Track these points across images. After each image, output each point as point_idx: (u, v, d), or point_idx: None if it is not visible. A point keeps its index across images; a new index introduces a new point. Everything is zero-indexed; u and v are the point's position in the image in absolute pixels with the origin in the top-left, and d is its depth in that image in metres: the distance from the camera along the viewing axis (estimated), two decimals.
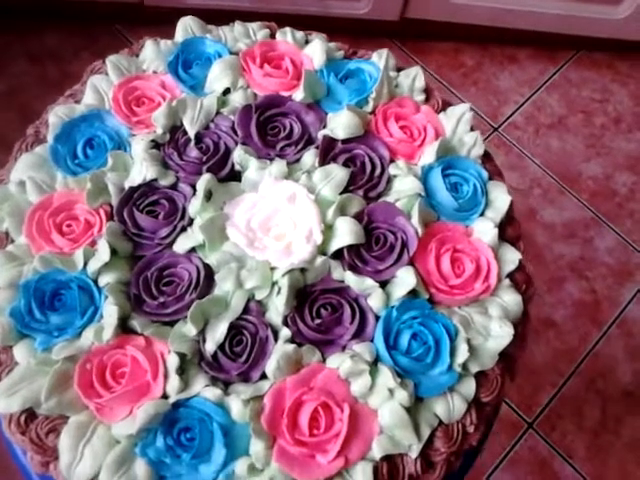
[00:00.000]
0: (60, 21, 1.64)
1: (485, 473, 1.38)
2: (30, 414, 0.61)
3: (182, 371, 0.62)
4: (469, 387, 0.65)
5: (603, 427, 1.44)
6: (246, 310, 0.65)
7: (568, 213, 1.71)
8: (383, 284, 0.67)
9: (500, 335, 0.67)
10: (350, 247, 0.67)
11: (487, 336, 0.67)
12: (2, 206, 0.68)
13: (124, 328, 0.63)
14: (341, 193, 0.69)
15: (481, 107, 1.81)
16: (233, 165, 0.71)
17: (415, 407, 0.63)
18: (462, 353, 0.65)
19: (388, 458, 0.62)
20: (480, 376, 0.67)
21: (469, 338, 0.66)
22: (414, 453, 0.62)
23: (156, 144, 0.71)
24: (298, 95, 0.74)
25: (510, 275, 0.71)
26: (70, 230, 0.67)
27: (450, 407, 0.64)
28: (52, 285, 0.64)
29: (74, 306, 0.64)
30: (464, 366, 0.65)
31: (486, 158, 0.77)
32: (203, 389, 0.61)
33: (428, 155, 0.73)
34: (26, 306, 0.63)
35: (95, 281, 0.65)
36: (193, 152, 0.70)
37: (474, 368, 0.66)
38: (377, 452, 0.61)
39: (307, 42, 0.81)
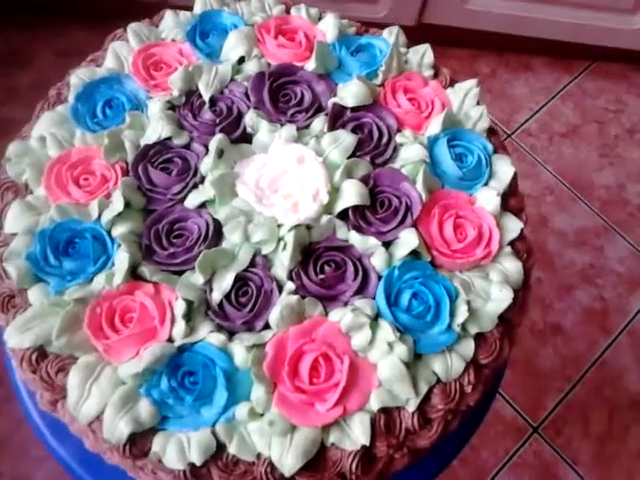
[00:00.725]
0: (87, 17, 1.69)
1: (489, 476, 1.38)
2: (41, 353, 0.63)
3: (188, 318, 0.64)
4: (467, 347, 0.67)
5: (609, 435, 1.43)
6: (252, 264, 0.67)
7: (580, 221, 1.72)
8: (386, 246, 0.69)
9: (500, 298, 0.68)
10: (355, 209, 0.69)
11: (487, 299, 0.69)
12: (23, 159, 0.71)
13: (134, 276, 0.66)
14: (348, 158, 0.72)
15: (495, 113, 1.83)
16: (245, 128, 0.73)
17: (414, 364, 0.65)
18: (462, 313, 0.67)
19: (386, 411, 0.64)
20: (479, 339, 0.68)
21: (469, 300, 0.68)
22: (411, 407, 0.64)
23: (172, 106, 0.74)
24: (310, 65, 0.77)
25: (511, 243, 0.72)
26: (87, 183, 0.70)
27: (448, 365, 0.65)
28: (67, 234, 0.67)
29: (87, 253, 0.66)
30: (463, 327, 0.67)
31: (491, 133, 0.79)
32: (208, 335, 0.63)
33: (434, 126, 0.75)
34: (42, 252, 0.66)
35: (109, 232, 0.68)
36: (207, 114, 0.73)
37: (473, 329, 0.67)
38: (375, 404, 0.63)
39: (320, 19, 0.84)
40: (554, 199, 1.73)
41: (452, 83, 0.81)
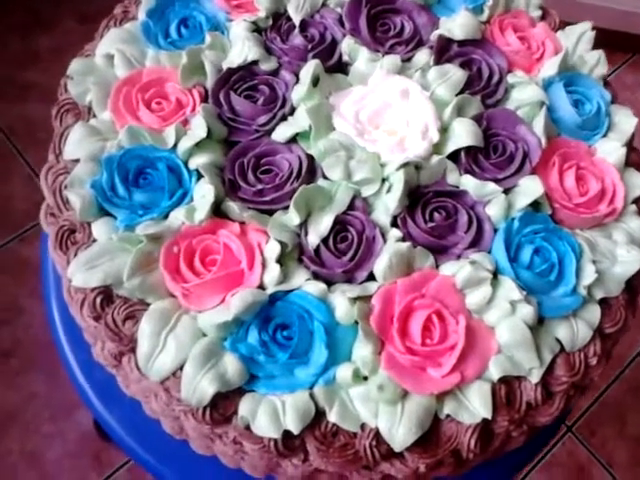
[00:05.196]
0: None
1: (521, 474, 1.30)
2: (106, 297, 0.54)
3: (280, 264, 0.54)
4: (594, 313, 0.58)
5: None
6: (351, 207, 0.58)
7: None
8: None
9: (628, 260, 0.60)
10: (467, 152, 0.61)
11: (614, 261, 0.60)
12: (87, 78, 0.62)
13: (216, 214, 0.56)
14: (457, 95, 0.63)
15: None
16: (340, 57, 0.64)
17: (535, 329, 0.56)
18: (589, 274, 0.58)
19: (505, 381, 0.55)
20: (603, 305, 0.59)
21: (595, 260, 0.59)
22: (535, 378, 0.55)
23: (256, 29, 0.65)
24: None
25: (636, 201, 0.64)
26: (159, 108, 0.61)
27: (574, 332, 0.57)
28: (137, 162, 0.58)
29: (161, 186, 0.57)
30: (588, 291, 0.58)
31: (607, 83, 0.71)
32: (305, 283, 0.54)
33: (549, 68, 0.67)
34: (109, 181, 0.57)
35: (185, 163, 0.58)
36: (297, 39, 0.64)
37: (599, 294, 0.59)
38: (495, 372, 0.54)
39: None
40: None
41: (561, 26, 0.73)
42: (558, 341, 0.57)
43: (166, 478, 0.65)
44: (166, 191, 0.57)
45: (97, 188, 0.56)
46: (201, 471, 0.64)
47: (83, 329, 0.58)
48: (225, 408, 0.51)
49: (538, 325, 0.56)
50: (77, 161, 0.58)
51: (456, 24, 0.66)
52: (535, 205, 0.60)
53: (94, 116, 0.61)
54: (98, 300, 0.53)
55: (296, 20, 0.65)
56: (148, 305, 0.54)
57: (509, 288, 0.55)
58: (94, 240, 0.55)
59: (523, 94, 0.64)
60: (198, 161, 0.58)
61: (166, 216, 0.56)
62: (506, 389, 0.54)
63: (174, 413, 0.54)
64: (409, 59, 0.65)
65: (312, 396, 0.51)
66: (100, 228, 0.56)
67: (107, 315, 0.53)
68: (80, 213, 0.56)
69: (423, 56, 0.65)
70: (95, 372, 0.64)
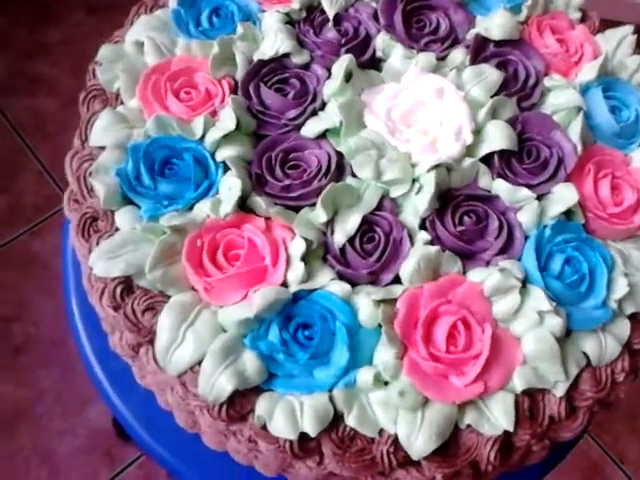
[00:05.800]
0: None
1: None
2: (127, 287, 0.53)
3: (304, 262, 0.53)
4: (623, 328, 0.56)
5: None
6: (379, 207, 0.56)
7: None
8: None
9: None
10: (501, 155, 0.59)
11: None
12: (116, 65, 0.61)
13: (241, 208, 0.55)
14: (492, 97, 0.61)
15: None
16: (373, 53, 0.63)
17: (562, 341, 0.54)
18: (620, 288, 0.56)
19: (529, 394, 0.53)
20: (633, 320, 0.57)
21: (627, 273, 0.57)
22: (559, 391, 0.53)
23: (289, 21, 0.64)
24: None
25: None
26: (188, 97, 0.59)
27: (602, 347, 0.55)
28: (164, 152, 0.57)
29: (187, 177, 0.56)
30: (619, 304, 0.56)
31: None
32: (329, 282, 0.53)
33: (587, 72, 0.65)
34: (134, 170, 0.56)
35: (212, 155, 0.57)
36: (330, 33, 0.63)
37: (630, 308, 0.57)
38: (519, 384, 0.52)
39: None
40: None
41: (602, 29, 0.71)
42: (585, 355, 0.55)
43: (178, 472, 0.65)
44: (192, 182, 0.56)
45: (122, 176, 0.55)
46: (214, 466, 0.63)
47: (101, 318, 0.57)
48: (242, 406, 0.50)
49: (565, 337, 0.55)
50: (103, 148, 0.57)
51: (494, 23, 0.64)
52: (568, 213, 0.58)
53: (122, 103, 0.60)
54: (118, 290, 0.53)
55: (330, 13, 0.64)
56: (169, 297, 0.53)
57: (538, 298, 0.53)
58: (117, 229, 0.55)
59: (560, 98, 0.63)
60: (225, 153, 0.56)
61: (191, 208, 0.55)
62: (529, 402, 0.53)
63: (189, 407, 0.53)
64: (444, 57, 0.64)
65: (331, 398, 0.50)
66: (123, 217, 0.55)
67: (127, 305, 0.53)
68: (104, 201, 0.55)
69: (459, 55, 0.63)
70: (111, 362, 0.63)
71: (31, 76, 1.41)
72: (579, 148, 0.60)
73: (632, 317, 0.57)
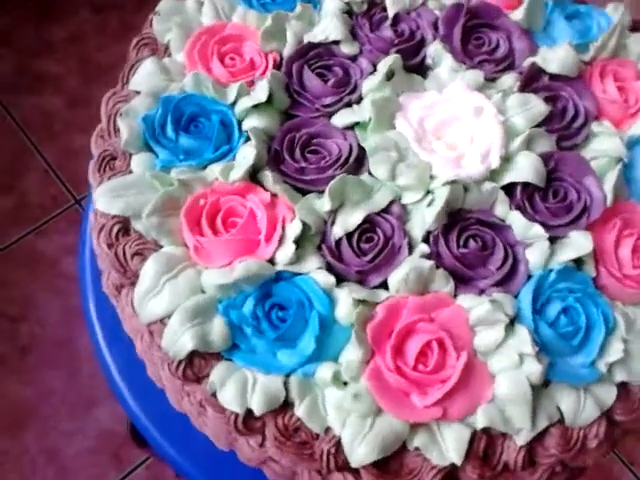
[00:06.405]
0: None
1: None
2: (123, 229, 0.55)
3: (297, 245, 0.53)
4: (607, 395, 0.53)
5: None
6: (386, 210, 0.56)
7: None
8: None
9: None
10: (524, 188, 0.57)
11: None
12: (172, 17, 0.62)
13: (253, 180, 0.56)
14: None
15: None
16: (424, 59, 0.62)
17: (538, 390, 0.52)
18: (615, 352, 0.53)
19: (488, 433, 0.51)
20: (621, 389, 0.54)
21: (626, 339, 0.54)
22: (521, 440, 0.51)
23: (349, 11, 0.64)
24: (517, 15, 0.64)
25: None
26: (232, 63, 0.61)
27: (579, 407, 0.52)
28: (194, 108, 0.58)
29: (209, 137, 0.57)
30: (609, 369, 0.54)
31: None
32: (315, 270, 0.53)
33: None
34: (161, 119, 0.57)
35: (239, 123, 0.58)
36: (386, 31, 0.62)
37: (620, 376, 0.54)
38: (481, 421, 0.51)
39: None
40: None
41: None
42: (559, 411, 0.53)
43: (187, 472, 0.65)
44: (212, 144, 0.57)
45: (147, 123, 0.57)
46: (223, 468, 0.62)
47: (97, 255, 0.58)
48: (200, 368, 0.51)
49: (542, 387, 0.52)
50: (139, 93, 0.59)
51: (555, 56, 0.62)
52: (579, 262, 0.56)
53: (169, 55, 0.62)
54: (115, 229, 0.54)
55: (391, 12, 0.63)
56: (160, 248, 0.54)
57: (523, 339, 0.51)
58: (130, 171, 0.56)
59: (603, 145, 0.60)
60: (252, 123, 0.57)
61: (204, 168, 0.56)
62: (487, 441, 0.51)
63: (153, 359, 0.54)
64: (494, 79, 0.62)
65: (286, 384, 0.50)
66: (139, 161, 0.56)
67: (119, 245, 0.54)
68: (125, 143, 0.56)
69: (509, 80, 0.61)
70: (131, 368, 0.64)
71: (36, 74, 1.38)
72: (609, 199, 0.57)
73: (622, 386, 0.55)
